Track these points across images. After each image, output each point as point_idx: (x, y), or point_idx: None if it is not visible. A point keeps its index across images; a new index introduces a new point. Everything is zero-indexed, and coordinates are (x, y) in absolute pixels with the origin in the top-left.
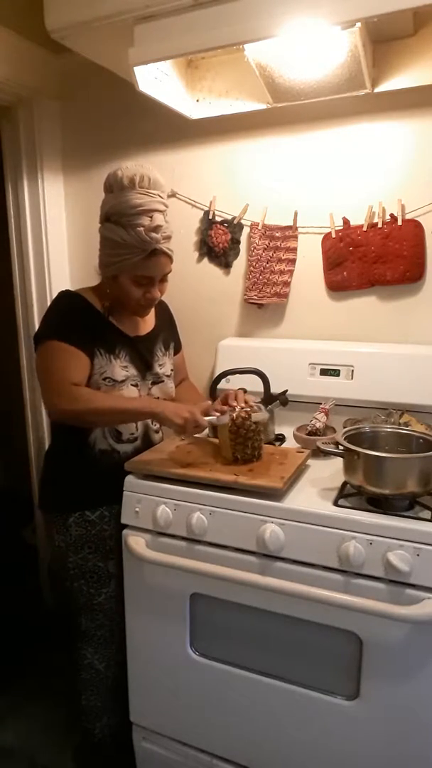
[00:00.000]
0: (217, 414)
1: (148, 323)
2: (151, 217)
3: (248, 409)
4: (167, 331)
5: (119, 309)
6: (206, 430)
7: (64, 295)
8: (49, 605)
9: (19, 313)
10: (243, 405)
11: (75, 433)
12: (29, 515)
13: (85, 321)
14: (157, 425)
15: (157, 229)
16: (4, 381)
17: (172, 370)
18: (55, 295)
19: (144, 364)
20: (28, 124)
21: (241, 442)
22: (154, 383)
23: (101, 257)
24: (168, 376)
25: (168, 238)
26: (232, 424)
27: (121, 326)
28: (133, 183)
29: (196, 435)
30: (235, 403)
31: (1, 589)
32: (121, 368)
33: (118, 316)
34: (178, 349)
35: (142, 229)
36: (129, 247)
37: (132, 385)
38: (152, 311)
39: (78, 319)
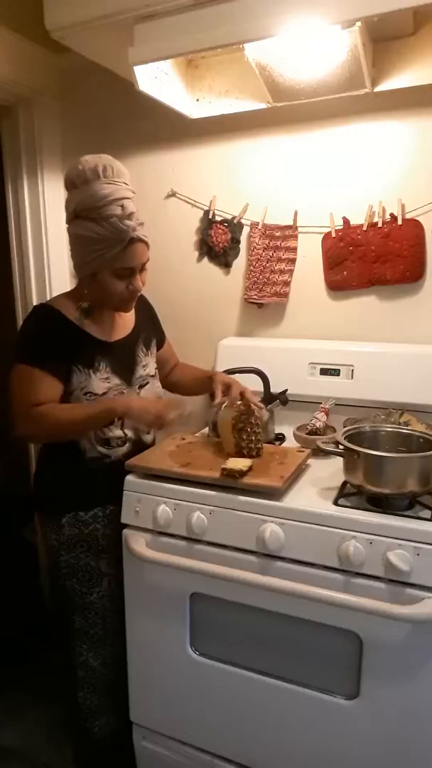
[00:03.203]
0: (189, 408)
1: (127, 325)
2: (122, 205)
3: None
4: (148, 328)
5: (99, 310)
6: (207, 429)
7: (37, 312)
8: (49, 605)
9: (19, 313)
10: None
11: (64, 443)
12: (29, 515)
13: (60, 339)
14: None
15: (131, 216)
16: (4, 381)
17: (156, 368)
18: (54, 295)
19: (127, 370)
20: (28, 124)
21: (241, 428)
22: (141, 386)
23: (76, 257)
24: (152, 376)
25: (142, 225)
26: (235, 413)
27: (99, 333)
28: (97, 174)
29: (197, 434)
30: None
31: (1, 589)
32: (101, 381)
33: (97, 320)
34: (161, 343)
35: (115, 218)
36: (105, 241)
37: (116, 394)
38: (131, 311)
39: (51, 339)
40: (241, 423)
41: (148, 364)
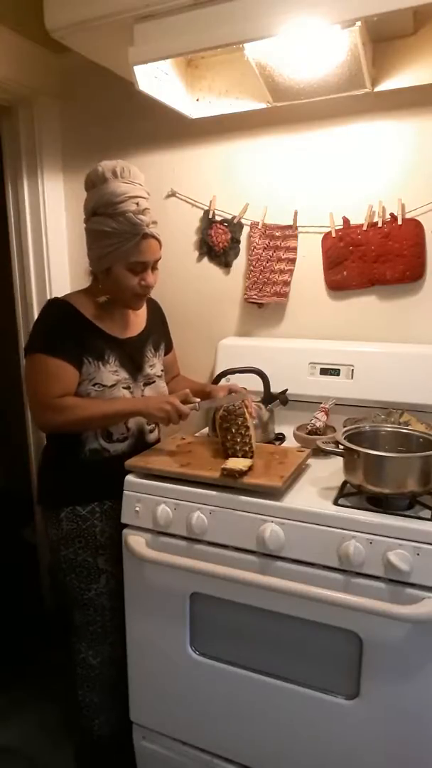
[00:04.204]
0: (198, 400)
1: (138, 324)
2: (137, 203)
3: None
4: (158, 331)
5: (113, 306)
6: (206, 429)
7: (51, 305)
8: (49, 605)
9: (19, 313)
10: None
11: (66, 434)
12: (29, 515)
13: (72, 330)
14: (152, 425)
15: (145, 212)
16: (4, 380)
17: (162, 370)
18: (54, 295)
19: (134, 366)
20: (28, 124)
21: (226, 428)
22: (146, 384)
23: (92, 253)
24: (159, 376)
25: (155, 223)
26: (223, 411)
27: (111, 329)
28: (115, 174)
29: (197, 434)
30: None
31: (1, 589)
32: (110, 373)
33: (110, 316)
34: (169, 349)
35: (130, 213)
36: (120, 235)
37: (123, 387)
38: (144, 311)
39: (65, 330)
40: (226, 423)
41: (155, 365)
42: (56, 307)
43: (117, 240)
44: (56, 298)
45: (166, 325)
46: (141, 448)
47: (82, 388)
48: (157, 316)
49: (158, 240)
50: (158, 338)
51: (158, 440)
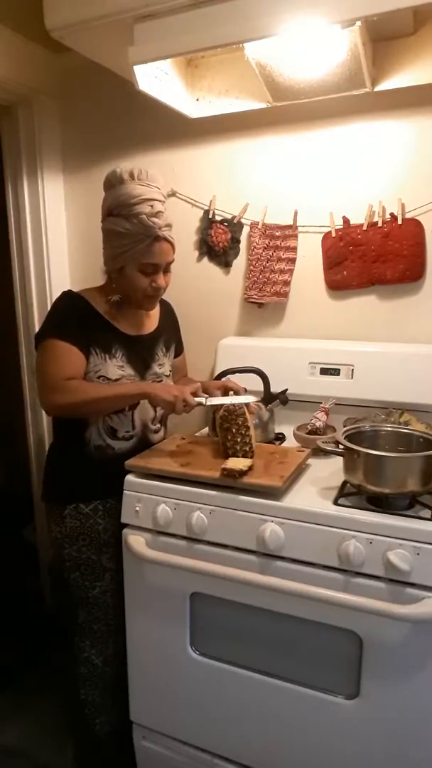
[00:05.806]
0: (206, 396)
1: (151, 323)
2: (151, 205)
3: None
4: (170, 333)
5: (126, 305)
6: (206, 429)
7: (64, 296)
8: (49, 605)
9: (19, 313)
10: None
11: (72, 429)
12: (29, 515)
13: (82, 320)
14: (157, 425)
15: (158, 214)
16: (4, 380)
17: (171, 371)
18: (55, 294)
19: (143, 364)
20: (28, 124)
21: (227, 428)
22: (154, 382)
23: (106, 252)
24: (167, 376)
25: (169, 226)
26: (224, 411)
27: (122, 326)
28: (132, 176)
29: (197, 434)
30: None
31: (1, 589)
32: (116, 367)
33: (123, 315)
34: (179, 352)
35: (144, 215)
36: (133, 236)
37: (128, 382)
38: (157, 311)
39: (75, 319)
40: (227, 423)
41: (164, 364)
42: (68, 298)
43: (130, 241)
44: (70, 291)
45: (178, 328)
46: (145, 448)
47: (86, 379)
48: (169, 318)
49: (171, 243)
50: (170, 339)
51: (163, 440)
